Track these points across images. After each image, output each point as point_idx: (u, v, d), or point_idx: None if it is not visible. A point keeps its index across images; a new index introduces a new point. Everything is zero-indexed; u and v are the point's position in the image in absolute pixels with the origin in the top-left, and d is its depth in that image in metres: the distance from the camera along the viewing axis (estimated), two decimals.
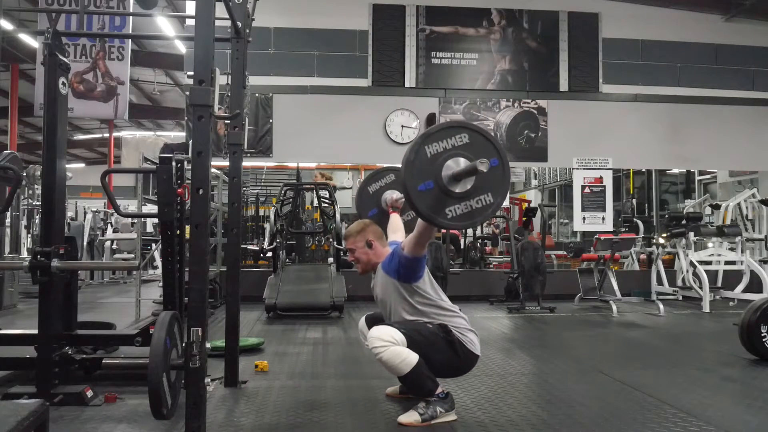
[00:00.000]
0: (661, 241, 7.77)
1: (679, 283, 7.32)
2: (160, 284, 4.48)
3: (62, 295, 3.20)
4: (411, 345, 2.72)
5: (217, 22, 2.46)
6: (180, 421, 2.43)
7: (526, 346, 4.82)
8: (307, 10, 8.06)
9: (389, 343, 2.69)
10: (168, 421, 2.66)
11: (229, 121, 3.80)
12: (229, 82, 3.60)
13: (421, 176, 2.41)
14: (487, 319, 6.26)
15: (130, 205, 10.49)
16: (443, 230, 8.42)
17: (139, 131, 21.85)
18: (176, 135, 20.56)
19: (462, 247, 10.29)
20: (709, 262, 7.29)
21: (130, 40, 8.71)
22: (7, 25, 10.19)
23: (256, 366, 3.79)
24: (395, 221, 3.40)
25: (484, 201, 2.47)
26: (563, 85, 8.34)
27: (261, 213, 11.32)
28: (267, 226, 7.82)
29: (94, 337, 3.61)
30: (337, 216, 7.59)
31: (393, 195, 3.42)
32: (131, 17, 8.48)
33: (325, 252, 9.26)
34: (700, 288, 6.91)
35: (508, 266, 7.66)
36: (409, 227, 3.22)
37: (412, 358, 2.70)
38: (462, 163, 2.42)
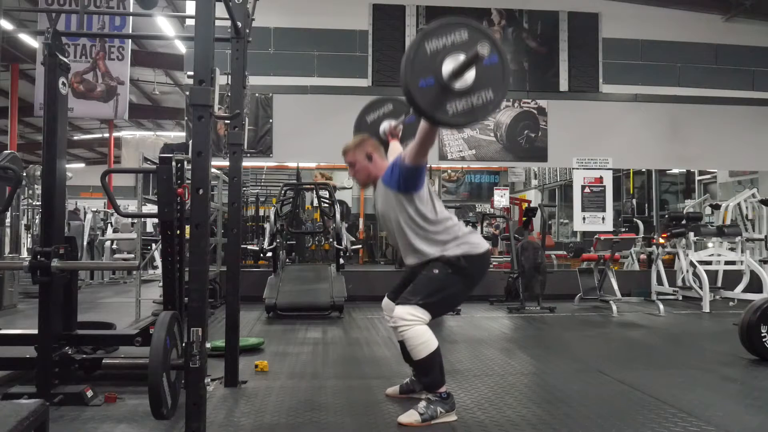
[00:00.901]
0: (661, 240, 7.77)
1: (679, 283, 7.32)
2: (160, 284, 4.47)
3: (62, 295, 3.20)
4: (433, 310, 2.80)
5: (217, 22, 2.46)
6: (180, 421, 2.43)
7: (526, 346, 4.82)
8: (307, 10, 8.05)
9: (413, 322, 2.74)
10: (168, 421, 2.66)
11: (229, 121, 3.80)
12: (229, 82, 3.60)
13: (421, 72, 2.39)
14: (487, 319, 6.26)
15: (130, 205, 10.48)
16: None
17: (139, 131, 21.84)
18: (176, 135, 20.54)
19: None
20: (709, 262, 7.29)
21: (130, 40, 8.71)
22: (7, 25, 10.18)
23: (256, 366, 3.79)
24: (394, 147, 3.35)
25: (485, 98, 2.44)
26: (563, 85, 8.34)
27: (261, 213, 11.33)
28: (267, 226, 7.81)
29: (94, 337, 3.61)
30: (337, 216, 7.58)
31: (391, 123, 3.39)
32: (131, 17, 8.47)
33: (325, 252, 9.26)
34: (700, 288, 6.91)
35: (508, 266, 7.66)
36: None
37: (432, 343, 2.75)
38: (462, 59, 2.38)
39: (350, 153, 3.07)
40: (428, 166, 2.94)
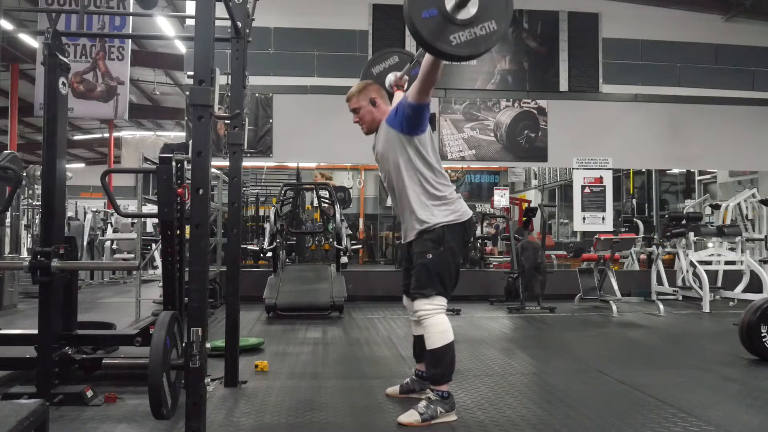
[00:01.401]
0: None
1: (679, 283, 7.32)
2: (160, 284, 4.47)
3: (62, 295, 3.20)
4: (447, 292, 2.88)
5: (217, 22, 2.46)
6: (180, 421, 2.43)
7: (526, 346, 4.82)
8: (307, 10, 8.05)
9: (434, 310, 2.82)
10: (168, 421, 2.66)
11: (229, 121, 3.80)
12: (229, 82, 3.60)
13: (424, 4, 2.39)
14: (487, 319, 6.26)
15: (130, 205, 10.48)
16: None
17: (139, 131, 21.84)
18: (176, 135, 20.54)
19: None
20: (709, 262, 7.29)
21: (130, 40, 8.71)
22: (7, 25, 10.18)
23: (256, 366, 3.79)
24: (399, 98, 3.34)
25: (488, 28, 2.43)
26: (563, 85, 8.34)
27: (261, 213, 11.33)
28: (267, 226, 7.81)
29: (94, 337, 3.60)
30: (338, 216, 7.58)
31: (397, 74, 3.38)
32: (131, 17, 8.48)
33: (325, 252, 9.26)
34: (700, 288, 6.91)
35: (508, 266, 7.66)
36: None
37: (450, 335, 2.81)
38: None
39: (354, 99, 3.08)
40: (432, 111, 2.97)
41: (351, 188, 17.09)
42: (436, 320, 2.81)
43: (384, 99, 3.10)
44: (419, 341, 3.01)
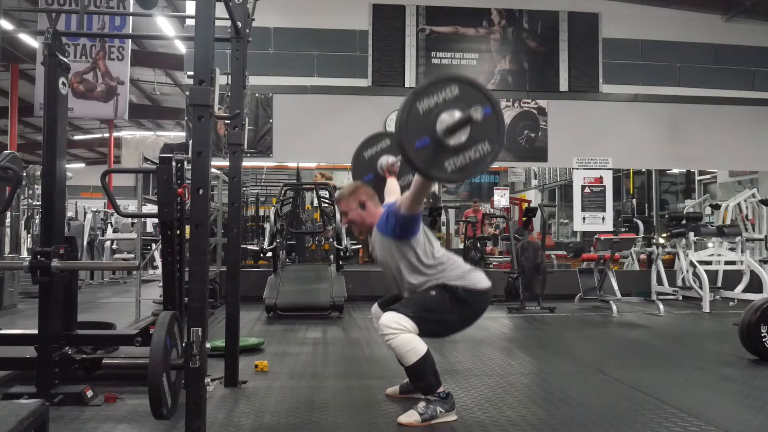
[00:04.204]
0: (661, 241, 7.77)
1: (679, 283, 7.32)
2: (160, 284, 4.47)
3: (62, 295, 3.20)
4: (423, 326, 2.74)
5: (217, 22, 2.46)
6: (180, 421, 2.43)
7: (526, 346, 4.81)
8: (307, 10, 8.06)
9: (399, 330, 2.71)
10: (168, 421, 2.66)
11: (229, 121, 3.80)
12: (229, 82, 3.60)
13: (416, 133, 2.40)
14: (487, 319, 6.26)
15: (130, 205, 10.47)
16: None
17: (139, 131, 21.85)
18: (176, 135, 20.56)
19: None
20: (709, 262, 7.29)
21: (130, 40, 8.71)
22: (7, 25, 10.18)
23: (256, 366, 3.79)
24: (392, 185, 3.36)
25: (482, 151, 2.45)
26: (563, 85, 8.34)
27: (261, 213, 11.33)
28: (267, 226, 7.81)
29: (94, 337, 3.61)
30: (337, 216, 7.58)
31: (389, 159, 3.39)
32: (131, 17, 8.48)
33: (325, 252, 9.26)
34: (700, 288, 6.91)
35: (508, 266, 7.66)
36: (405, 191, 3.18)
37: (421, 348, 2.72)
38: (456, 115, 2.40)
39: (344, 201, 3.08)
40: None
41: None
42: (400, 340, 2.69)
43: (374, 201, 3.07)
44: None
